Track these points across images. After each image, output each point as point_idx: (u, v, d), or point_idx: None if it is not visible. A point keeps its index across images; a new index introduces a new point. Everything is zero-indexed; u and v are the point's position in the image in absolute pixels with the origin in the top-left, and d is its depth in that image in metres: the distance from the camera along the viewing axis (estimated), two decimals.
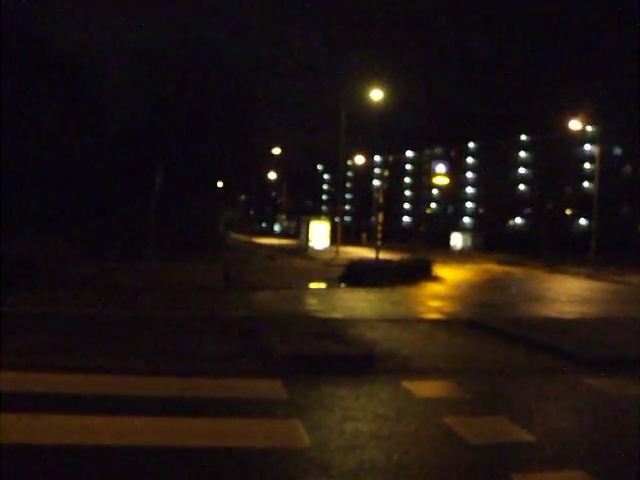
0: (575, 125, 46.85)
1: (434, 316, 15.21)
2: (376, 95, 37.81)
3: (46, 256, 19.55)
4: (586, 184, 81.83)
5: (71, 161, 27.49)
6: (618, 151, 78.58)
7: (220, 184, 51.56)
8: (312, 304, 16.41)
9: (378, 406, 6.73)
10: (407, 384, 7.62)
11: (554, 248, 53.90)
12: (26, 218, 24.62)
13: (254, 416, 6.23)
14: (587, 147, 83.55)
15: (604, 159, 48.00)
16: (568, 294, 22.84)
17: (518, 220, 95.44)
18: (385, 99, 39.26)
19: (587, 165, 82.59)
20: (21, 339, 9.37)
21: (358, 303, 17.26)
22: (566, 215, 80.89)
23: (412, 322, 13.65)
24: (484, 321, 13.50)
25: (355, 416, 6.31)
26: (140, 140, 32.22)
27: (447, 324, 13.58)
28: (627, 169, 78.18)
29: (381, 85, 38.24)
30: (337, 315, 13.94)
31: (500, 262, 43.25)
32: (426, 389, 7.61)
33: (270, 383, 7.38)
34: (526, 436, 5.95)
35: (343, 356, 8.52)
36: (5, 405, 6.11)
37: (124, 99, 35.73)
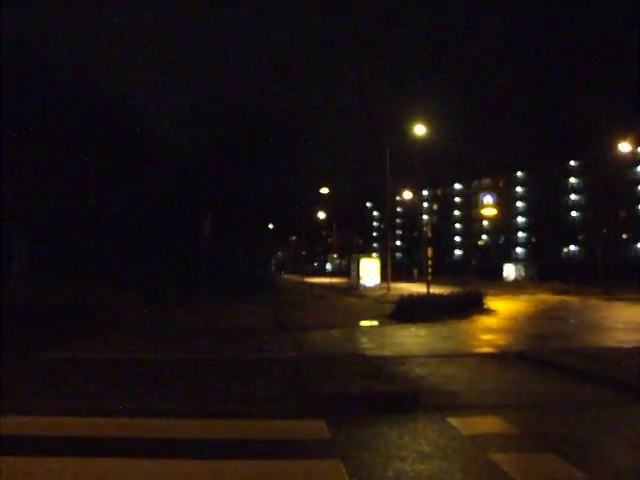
0: (625, 147, 46.01)
1: (485, 350, 14.98)
2: (419, 130, 37.89)
3: (101, 304, 20.04)
4: None
5: (123, 209, 28.24)
6: None
7: (271, 226, 52.10)
8: (362, 342, 16.34)
9: (423, 444, 6.65)
10: (453, 421, 7.51)
11: (611, 275, 52.58)
12: (80, 266, 25.31)
13: (297, 457, 6.24)
14: (639, 169, 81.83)
15: None
16: (626, 322, 22.20)
17: (572, 247, 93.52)
18: (430, 133, 39.30)
19: None
20: (72, 385, 9.61)
21: (408, 339, 17.12)
22: (622, 240, 78.89)
23: (462, 357, 13.47)
24: (536, 353, 13.24)
25: (399, 455, 6.25)
26: (190, 186, 32.91)
27: (498, 358, 13.35)
28: None
29: (425, 120, 38.32)
30: (386, 353, 13.86)
31: (555, 291, 42.38)
32: (472, 425, 7.48)
33: (314, 424, 7.37)
34: (577, 474, 5.76)
35: (388, 394, 8.46)
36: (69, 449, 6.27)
37: (174, 147, 36.65)
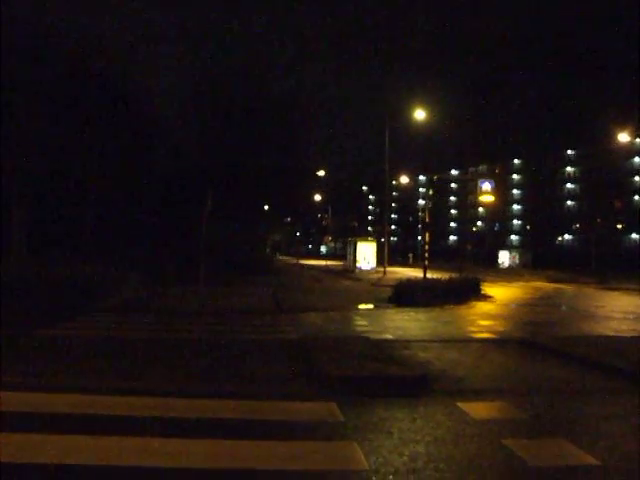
0: (623, 138, 46.03)
1: (486, 335, 15.04)
2: (419, 115, 37.79)
3: (102, 281, 20.04)
4: (637, 197, 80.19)
5: (125, 190, 28.18)
6: None
7: (266, 207, 52.08)
8: (362, 325, 16.39)
9: (435, 428, 6.70)
10: (463, 405, 7.55)
11: (605, 264, 52.81)
12: (82, 244, 25.29)
13: (312, 439, 6.26)
14: (637, 160, 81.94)
15: None
16: (622, 311, 22.33)
17: (567, 236, 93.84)
18: (429, 118, 39.23)
19: (637, 178, 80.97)
20: (74, 361, 9.64)
21: (408, 323, 17.18)
22: (616, 230, 79.20)
23: (464, 342, 13.55)
24: (537, 340, 13.32)
25: (412, 438, 6.29)
26: (191, 166, 32.87)
27: (499, 343, 13.43)
28: None
29: (425, 105, 38.24)
30: (388, 336, 13.91)
31: (550, 279, 42.56)
32: (482, 410, 7.53)
33: (325, 405, 7.39)
34: (590, 459, 5.82)
35: (397, 377, 8.50)
36: (71, 426, 6.29)
37: (175, 128, 36.56)
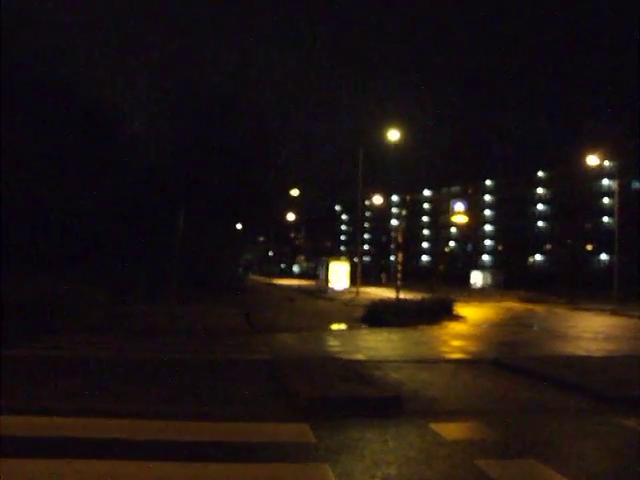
0: (593, 160, 46.73)
1: (458, 356, 15.07)
2: (393, 135, 37.98)
3: (69, 300, 19.68)
4: (606, 219, 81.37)
5: (93, 204, 27.85)
6: (637, 185, 78.16)
7: (239, 226, 51.89)
8: (335, 346, 16.33)
9: (407, 449, 6.64)
10: (435, 426, 7.52)
11: (576, 284, 53.37)
12: (48, 261, 24.86)
13: (284, 460, 6.17)
14: (605, 182, 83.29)
15: (623, 193, 47.72)
16: (593, 331, 22.54)
17: (538, 257, 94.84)
18: (402, 139, 39.42)
19: (606, 200, 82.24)
20: (41, 384, 9.43)
21: (381, 344, 17.15)
22: (587, 251, 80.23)
23: (436, 362, 13.53)
24: (509, 360, 13.35)
25: (385, 460, 6.23)
26: (161, 183, 32.62)
27: (472, 364, 13.44)
28: None
29: (398, 126, 38.44)
30: (360, 357, 13.85)
31: (521, 300, 42.87)
32: (455, 431, 7.51)
33: (298, 427, 7.31)
34: (561, 479, 5.82)
35: (370, 398, 8.44)
36: (30, 449, 6.13)
37: (145, 144, 36.29)
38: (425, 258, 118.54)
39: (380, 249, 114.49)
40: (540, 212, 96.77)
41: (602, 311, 32.38)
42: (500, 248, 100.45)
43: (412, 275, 72.71)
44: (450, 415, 8.37)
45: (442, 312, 24.65)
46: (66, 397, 8.65)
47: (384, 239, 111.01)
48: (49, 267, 24.41)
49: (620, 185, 46.95)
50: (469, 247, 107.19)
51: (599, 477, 6.08)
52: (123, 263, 28.09)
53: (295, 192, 67.61)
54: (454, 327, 22.50)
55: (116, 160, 31.40)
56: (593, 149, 46.18)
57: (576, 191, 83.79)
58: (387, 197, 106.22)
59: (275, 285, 63.88)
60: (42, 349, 13.61)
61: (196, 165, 34.18)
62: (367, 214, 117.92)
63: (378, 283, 66.28)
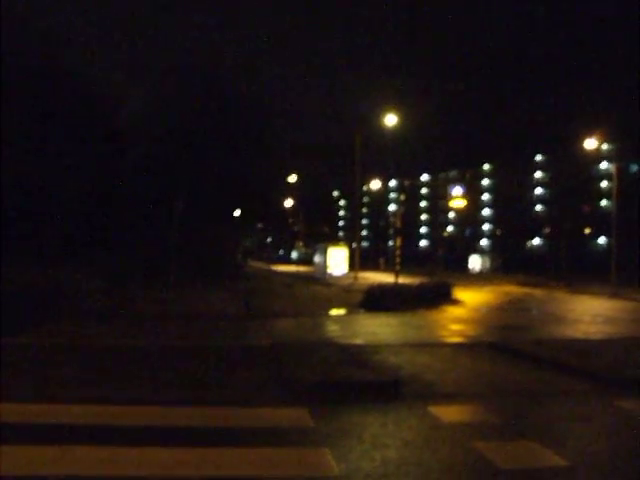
0: (591, 144, 46.59)
1: (457, 340, 15.11)
2: (390, 120, 37.85)
3: (68, 287, 19.67)
4: (604, 202, 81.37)
5: (92, 192, 27.80)
6: (636, 168, 78.10)
7: (237, 213, 51.83)
8: (334, 331, 16.37)
9: (406, 432, 6.68)
10: (434, 409, 7.56)
11: (574, 268, 53.44)
12: (46, 249, 24.84)
13: (283, 445, 6.21)
14: (604, 165, 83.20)
15: (621, 176, 47.61)
16: (591, 314, 22.60)
17: (536, 241, 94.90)
18: (400, 124, 39.29)
19: (604, 183, 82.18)
20: (40, 371, 9.45)
21: (380, 328, 17.17)
22: (585, 234, 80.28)
23: (435, 346, 13.58)
24: (507, 344, 13.40)
25: (383, 443, 6.27)
26: (160, 170, 32.54)
27: (470, 347, 13.49)
28: None
29: (396, 110, 38.29)
30: (359, 341, 13.90)
31: (520, 284, 42.90)
32: (453, 414, 7.54)
33: (297, 411, 7.35)
34: (559, 461, 5.85)
35: (369, 382, 8.48)
36: (30, 436, 6.15)
37: (144, 130, 36.17)
38: (423, 243, 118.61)
39: (378, 234, 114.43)
40: (538, 196, 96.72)
41: (600, 294, 32.43)
42: (498, 232, 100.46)
43: (411, 260, 72.77)
44: (449, 398, 8.41)
45: (441, 296, 24.68)
46: (66, 384, 8.68)
47: (382, 224, 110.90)
48: (48, 254, 24.41)
49: (618, 168, 46.83)
50: (468, 231, 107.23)
51: (597, 458, 6.13)
52: (122, 250, 28.07)
53: (293, 178, 67.58)
54: (453, 311, 22.54)
55: (113, 147, 31.32)
56: (591, 132, 46.01)
57: (574, 174, 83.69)
58: (385, 182, 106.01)
59: (274, 271, 63.86)
60: (42, 337, 13.63)
61: (194, 149, 34.09)
62: (365, 199, 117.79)
63: (376, 268, 66.22)
